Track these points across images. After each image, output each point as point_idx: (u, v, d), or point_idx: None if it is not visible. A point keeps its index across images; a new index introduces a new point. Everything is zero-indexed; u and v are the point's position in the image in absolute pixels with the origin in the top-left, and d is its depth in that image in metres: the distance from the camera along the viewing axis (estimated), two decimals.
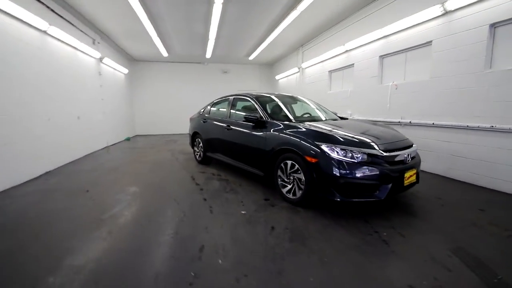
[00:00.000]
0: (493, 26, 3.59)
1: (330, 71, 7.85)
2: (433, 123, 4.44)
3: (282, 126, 3.40)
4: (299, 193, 3.04)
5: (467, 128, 3.90)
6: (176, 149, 7.61)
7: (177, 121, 12.37)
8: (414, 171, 2.95)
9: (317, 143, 2.84)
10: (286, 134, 3.25)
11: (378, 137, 2.99)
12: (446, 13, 4.13)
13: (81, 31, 6.36)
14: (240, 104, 4.52)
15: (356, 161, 2.66)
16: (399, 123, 5.14)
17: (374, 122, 4.15)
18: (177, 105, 12.38)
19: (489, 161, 3.68)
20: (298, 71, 9.97)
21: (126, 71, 10.02)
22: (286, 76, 11.32)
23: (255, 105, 4.01)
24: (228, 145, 4.42)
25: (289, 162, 3.13)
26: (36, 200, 3.39)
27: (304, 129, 3.14)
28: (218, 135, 4.72)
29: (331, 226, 2.60)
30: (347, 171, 2.63)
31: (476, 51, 3.77)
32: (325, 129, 3.10)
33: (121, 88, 10.01)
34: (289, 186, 3.18)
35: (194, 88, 12.50)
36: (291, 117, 3.75)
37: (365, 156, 2.69)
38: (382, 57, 5.72)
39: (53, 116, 5.10)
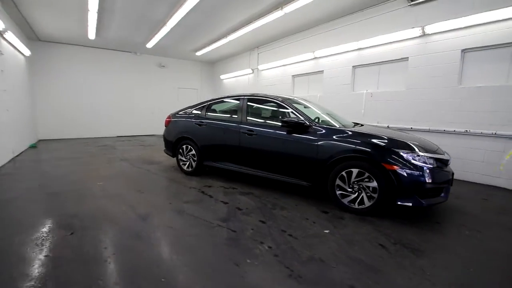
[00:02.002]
0: (464, 51, 4.51)
1: (294, 76, 8.07)
2: (411, 128, 5.20)
3: (330, 131, 3.20)
4: (368, 202, 2.91)
5: (444, 132, 4.77)
6: (131, 157, 6.03)
7: (102, 121, 10.00)
8: None
9: (394, 149, 2.79)
10: (345, 140, 3.05)
11: (418, 142, 3.17)
12: (424, 35, 4.92)
13: None
14: (259, 107, 3.97)
15: (432, 166, 2.76)
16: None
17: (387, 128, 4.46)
18: (102, 101, 9.96)
19: (462, 158, 4.60)
20: (252, 73, 9.80)
21: (27, 52, 7.20)
22: (235, 77, 10.95)
23: (288, 107, 3.61)
24: (249, 153, 3.79)
25: (355, 170, 2.94)
26: None
27: (366, 134, 3.04)
28: (228, 142, 4.00)
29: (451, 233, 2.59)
30: (430, 177, 2.69)
31: (450, 70, 4.65)
32: (385, 134, 3.08)
33: (22, 76, 7.13)
34: (353, 196, 3.00)
35: (123, 82, 10.36)
36: (333, 122, 3.56)
37: (435, 161, 2.83)
38: (355, 67, 6.30)
39: None
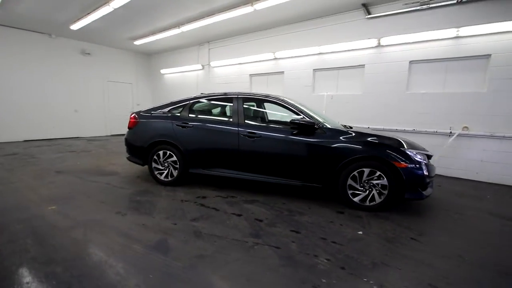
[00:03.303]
0: (411, 62, 5.37)
1: (252, 75, 7.97)
2: (368, 127, 5.88)
3: (338, 133, 3.30)
4: (379, 199, 3.10)
5: (396, 130, 5.57)
6: (70, 168, 4.69)
7: (3, 120, 7.54)
8: None
9: (402, 149, 3.05)
10: (354, 142, 3.17)
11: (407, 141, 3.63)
12: (379, 46, 5.61)
13: None
14: (257, 107, 3.69)
15: (426, 162, 3.15)
16: None
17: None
18: (3, 95, 7.46)
19: None
20: (202, 69, 9.20)
21: None
22: (181, 72, 10.04)
23: (291, 108, 3.50)
24: (252, 158, 3.49)
25: (366, 170, 3.09)
26: None
27: (372, 135, 3.24)
28: (224, 146, 3.58)
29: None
30: (428, 172, 3.06)
31: (400, 77, 5.46)
32: (388, 135, 3.36)
33: None
34: (363, 194, 3.15)
35: (34, 71, 8.05)
36: (337, 122, 3.64)
37: (426, 157, 3.26)
38: (315, 70, 6.68)
39: None
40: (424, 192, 3.06)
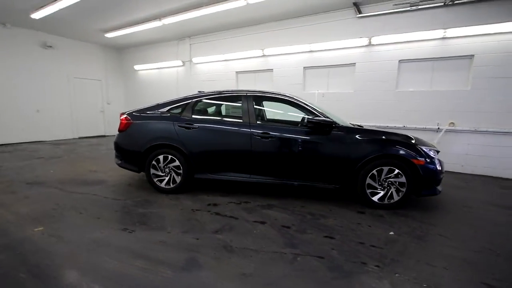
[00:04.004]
0: (400, 61, 5.56)
1: (238, 72, 7.70)
2: (359, 125, 6.00)
3: (355, 131, 3.25)
4: (397, 197, 3.10)
5: (387, 127, 5.75)
6: (45, 178, 4.03)
7: None
8: None
9: (418, 146, 3.08)
10: (371, 140, 3.14)
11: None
12: (370, 45, 5.72)
13: None
14: (269, 105, 3.48)
15: (437, 158, 3.23)
16: None
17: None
18: None
19: None
20: (183, 65, 8.68)
21: None
22: (158, 68, 9.38)
23: (307, 106, 3.36)
24: (266, 160, 3.28)
25: (385, 168, 3.07)
26: None
27: (386, 132, 3.24)
28: (236, 147, 3.32)
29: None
30: (441, 167, 3.14)
31: (391, 76, 5.63)
32: (398, 132, 3.37)
33: None
34: (382, 192, 3.13)
35: None
36: (345, 120, 3.57)
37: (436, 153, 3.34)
38: (306, 68, 6.63)
39: None
40: (438, 188, 3.13)
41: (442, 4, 4.87)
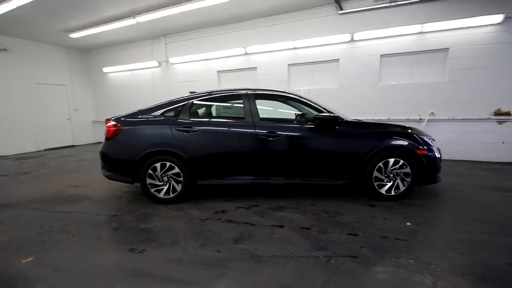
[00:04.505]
0: (382, 56, 5.76)
1: (220, 71, 7.47)
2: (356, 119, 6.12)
3: (359, 125, 3.29)
4: (403, 187, 3.17)
5: (372, 120, 5.92)
6: (20, 198, 3.49)
7: None
8: None
9: (420, 136, 3.17)
10: (376, 133, 3.18)
11: None
12: (352, 41, 5.85)
13: None
14: (271, 104, 3.36)
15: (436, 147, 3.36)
16: None
17: None
18: None
19: None
20: (159, 66, 8.22)
21: None
22: (131, 70, 8.79)
23: (310, 102, 3.32)
24: (272, 160, 3.17)
25: (391, 160, 3.12)
26: None
27: (388, 125, 3.31)
28: (241, 149, 3.16)
29: None
30: (440, 155, 3.27)
31: (373, 70, 5.82)
32: (398, 124, 3.45)
33: None
34: (389, 184, 3.18)
35: None
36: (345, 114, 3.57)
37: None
38: (290, 65, 6.62)
39: None
40: (438, 175, 3.26)
41: (419, 0, 5.13)
